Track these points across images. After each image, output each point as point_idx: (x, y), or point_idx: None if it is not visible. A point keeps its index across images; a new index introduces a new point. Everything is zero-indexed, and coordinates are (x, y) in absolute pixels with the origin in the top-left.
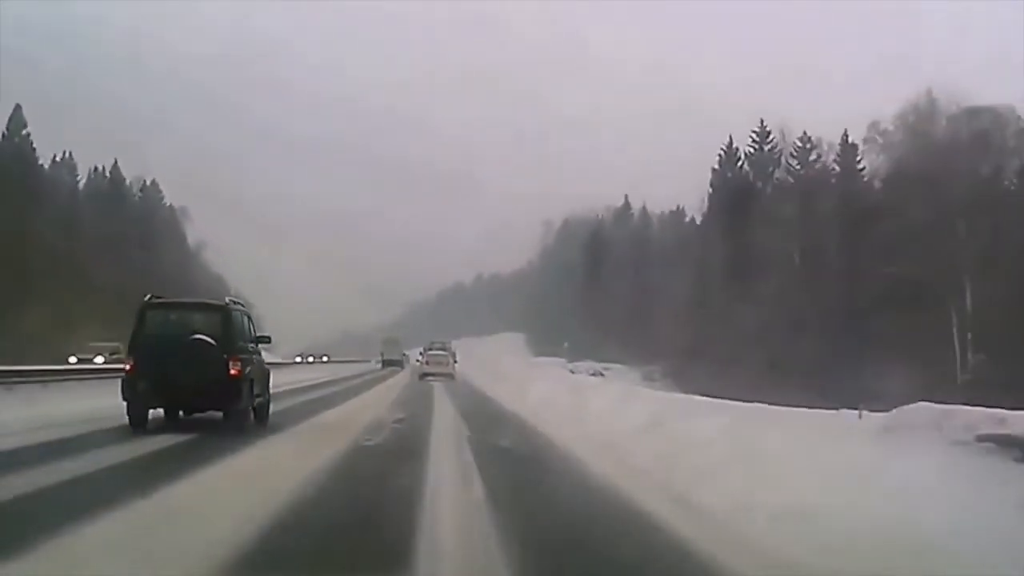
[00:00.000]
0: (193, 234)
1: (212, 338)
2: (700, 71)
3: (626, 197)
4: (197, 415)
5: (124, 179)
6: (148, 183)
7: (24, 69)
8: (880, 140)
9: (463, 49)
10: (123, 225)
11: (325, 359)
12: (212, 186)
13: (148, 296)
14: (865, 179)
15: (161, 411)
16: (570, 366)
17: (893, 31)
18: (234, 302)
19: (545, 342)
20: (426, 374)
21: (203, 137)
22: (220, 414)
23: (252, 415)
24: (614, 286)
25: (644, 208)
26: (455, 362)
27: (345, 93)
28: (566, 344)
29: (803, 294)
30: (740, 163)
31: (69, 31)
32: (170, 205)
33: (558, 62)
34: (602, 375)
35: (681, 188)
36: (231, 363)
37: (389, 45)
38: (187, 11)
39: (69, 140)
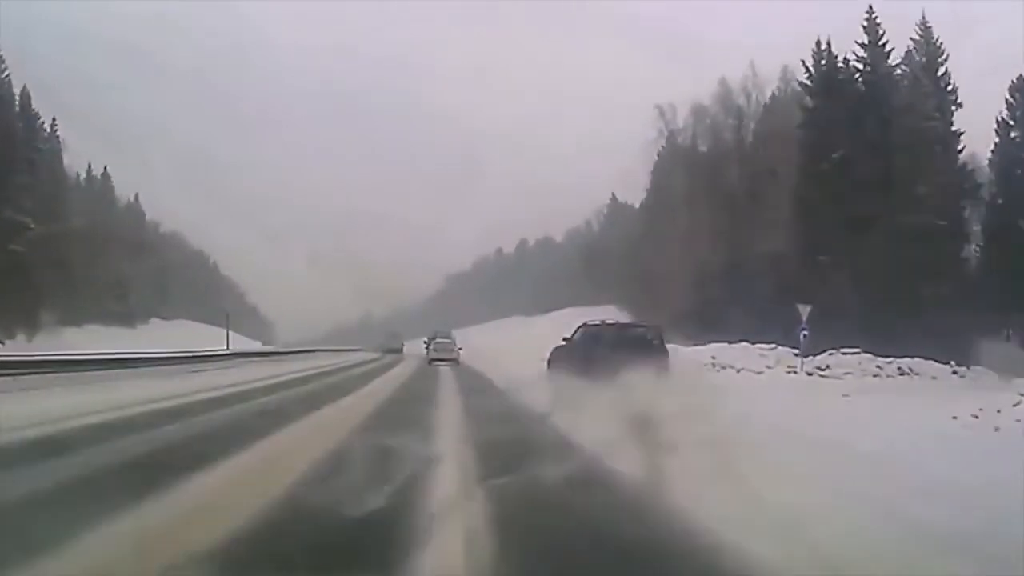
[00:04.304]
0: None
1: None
2: None
3: (871, 10)
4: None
5: None
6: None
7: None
8: None
9: None
10: None
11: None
12: (212, 181)
13: (583, 322)
14: None
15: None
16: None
17: None
18: (592, 323)
19: (681, 321)
20: (434, 359)
21: (200, 132)
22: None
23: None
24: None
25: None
26: (459, 348)
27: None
28: (805, 312)
29: None
30: None
31: None
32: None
33: None
34: None
35: None
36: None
37: None
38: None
39: None
